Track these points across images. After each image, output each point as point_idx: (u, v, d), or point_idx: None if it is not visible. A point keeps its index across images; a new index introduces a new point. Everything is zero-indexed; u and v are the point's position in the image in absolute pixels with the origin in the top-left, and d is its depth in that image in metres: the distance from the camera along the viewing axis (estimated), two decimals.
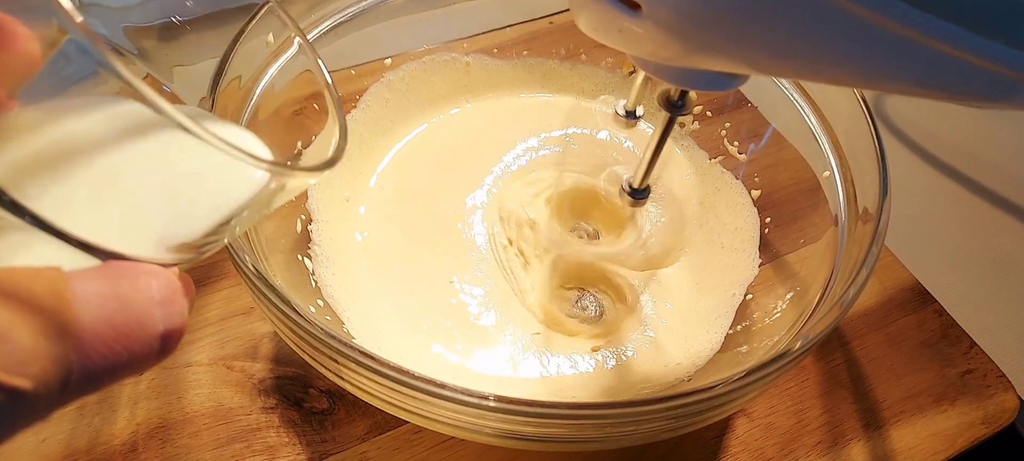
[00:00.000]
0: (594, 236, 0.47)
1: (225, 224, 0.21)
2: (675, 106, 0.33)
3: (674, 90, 0.32)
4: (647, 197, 0.38)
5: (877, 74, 0.21)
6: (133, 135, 0.19)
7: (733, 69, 0.26)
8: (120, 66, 0.16)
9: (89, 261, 0.16)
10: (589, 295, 0.44)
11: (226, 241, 0.28)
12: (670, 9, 0.23)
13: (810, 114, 0.43)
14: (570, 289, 0.44)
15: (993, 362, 0.43)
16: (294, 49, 0.27)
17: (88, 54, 0.16)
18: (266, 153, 0.26)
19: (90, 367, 0.15)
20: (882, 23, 0.19)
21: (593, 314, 0.43)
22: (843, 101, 0.40)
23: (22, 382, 0.13)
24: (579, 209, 0.47)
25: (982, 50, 0.19)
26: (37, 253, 0.16)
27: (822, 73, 0.23)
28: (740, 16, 0.22)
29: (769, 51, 0.23)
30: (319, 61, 0.26)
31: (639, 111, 0.41)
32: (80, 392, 0.15)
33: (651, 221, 0.46)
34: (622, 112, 0.41)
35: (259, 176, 0.21)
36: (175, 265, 0.19)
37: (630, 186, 0.38)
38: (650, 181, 0.38)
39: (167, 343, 0.17)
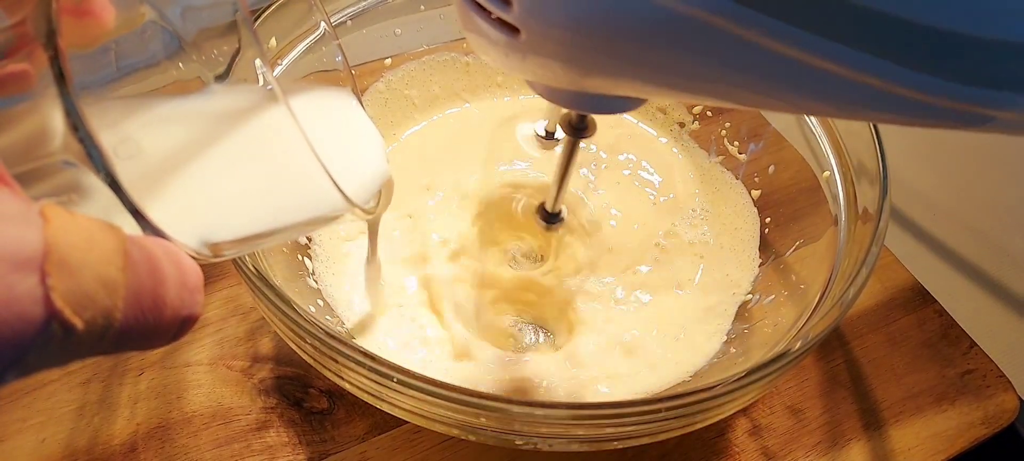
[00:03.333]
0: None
1: (266, 236, 0.22)
2: (577, 129, 0.31)
3: (574, 114, 0.31)
4: (561, 221, 0.37)
5: (809, 107, 0.20)
6: (218, 127, 0.20)
7: (628, 93, 0.25)
8: (263, 58, 0.18)
9: (134, 229, 0.17)
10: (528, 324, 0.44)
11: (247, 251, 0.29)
12: (544, 31, 0.21)
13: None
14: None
15: (993, 362, 0.43)
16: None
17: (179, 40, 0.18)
18: (378, 167, 0.27)
19: (124, 328, 0.15)
20: (804, 59, 0.18)
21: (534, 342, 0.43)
22: None
23: (78, 322, 0.14)
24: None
25: (935, 89, 0.18)
26: (101, 206, 0.17)
27: (744, 102, 0.22)
28: (619, 46, 0.20)
29: (664, 79, 0.21)
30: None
31: (559, 133, 0.40)
32: (106, 349, 0.16)
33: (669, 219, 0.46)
34: (542, 133, 0.40)
35: (339, 206, 0.21)
36: (199, 259, 0.19)
37: (544, 211, 0.36)
38: (561, 206, 0.36)
39: (183, 328, 0.17)
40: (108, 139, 0.17)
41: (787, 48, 0.18)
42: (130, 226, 0.18)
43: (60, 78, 0.16)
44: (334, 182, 0.20)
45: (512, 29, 0.22)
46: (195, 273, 0.18)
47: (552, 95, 0.26)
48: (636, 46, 0.20)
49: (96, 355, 0.16)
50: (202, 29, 0.21)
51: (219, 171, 0.20)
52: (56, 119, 0.16)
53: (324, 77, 0.33)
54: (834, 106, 0.20)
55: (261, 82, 0.19)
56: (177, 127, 0.20)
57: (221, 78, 0.21)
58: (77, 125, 0.16)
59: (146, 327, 0.16)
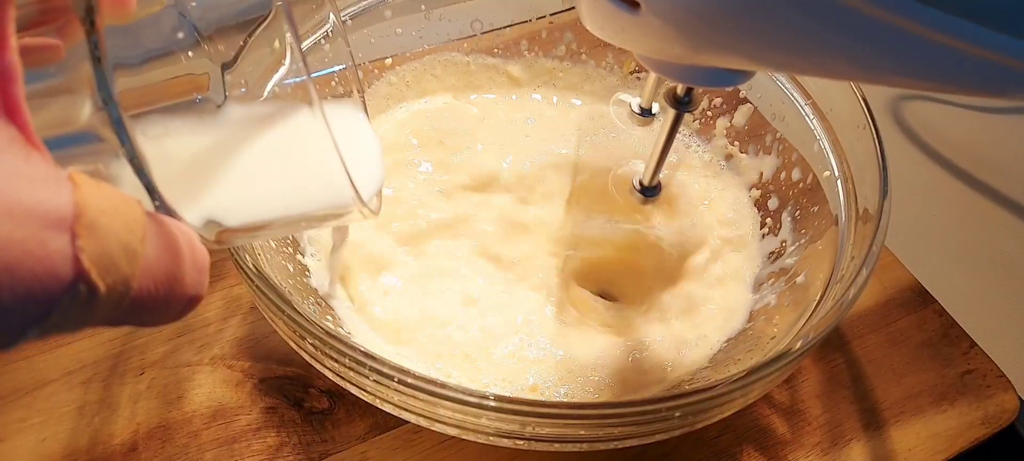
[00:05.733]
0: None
1: (271, 227, 0.22)
2: (681, 103, 0.33)
3: (680, 87, 0.33)
4: (658, 194, 0.38)
5: (883, 69, 0.21)
6: (239, 122, 0.21)
7: (736, 65, 0.26)
8: (299, 46, 0.19)
9: (147, 203, 0.18)
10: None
11: (246, 244, 0.29)
12: (668, 6, 0.23)
13: (810, 114, 0.43)
14: (587, 285, 0.44)
15: (993, 362, 0.43)
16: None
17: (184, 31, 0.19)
18: (377, 172, 0.27)
19: (137, 298, 0.16)
20: (889, 19, 0.19)
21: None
22: (844, 101, 0.40)
23: (101, 285, 0.14)
24: (591, 207, 0.48)
25: (988, 42, 0.19)
26: (123, 182, 0.18)
27: (825, 68, 0.23)
28: (741, 13, 0.22)
29: (771, 47, 0.23)
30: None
31: (655, 108, 0.41)
32: (118, 318, 0.16)
33: (665, 220, 0.46)
34: (637, 110, 0.41)
35: (348, 203, 0.22)
36: (204, 243, 0.20)
37: (640, 183, 0.38)
38: (661, 178, 0.38)
39: (189, 306, 0.18)
40: (135, 118, 0.17)
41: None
42: (145, 204, 0.18)
43: (96, 55, 0.16)
44: (351, 180, 0.21)
45: (632, 4, 0.24)
46: (204, 255, 0.18)
47: (663, 69, 0.28)
48: (748, 14, 0.21)
49: (107, 324, 0.16)
50: (222, 21, 0.21)
51: (235, 160, 0.21)
52: (86, 93, 0.17)
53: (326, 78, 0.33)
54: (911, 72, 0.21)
55: (287, 65, 0.20)
56: (198, 119, 0.21)
57: (228, 66, 0.22)
58: (107, 101, 0.17)
59: (157, 300, 0.16)
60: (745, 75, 0.28)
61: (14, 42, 0.15)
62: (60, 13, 0.18)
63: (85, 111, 0.17)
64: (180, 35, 0.20)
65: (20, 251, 0.13)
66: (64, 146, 0.17)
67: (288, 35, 0.20)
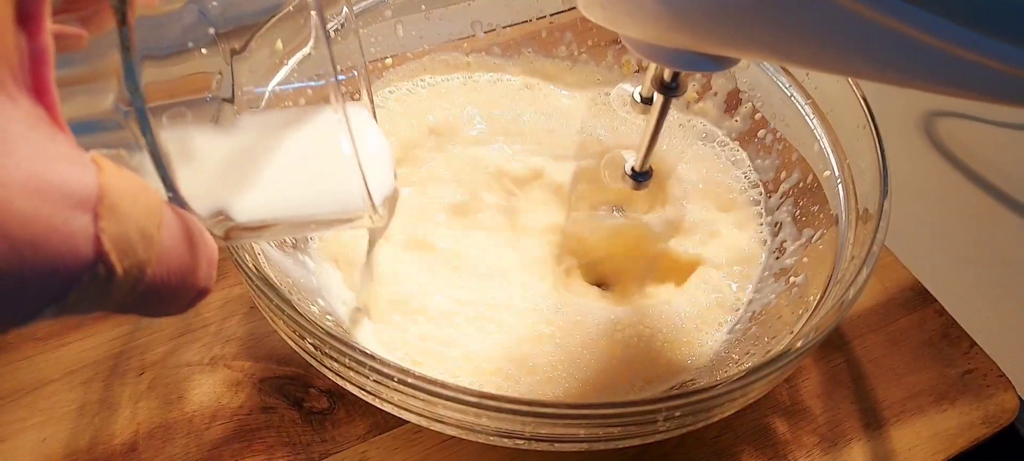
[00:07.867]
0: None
1: (280, 228, 0.22)
2: (669, 88, 0.33)
3: (667, 72, 0.32)
4: (649, 179, 0.38)
5: (881, 71, 0.21)
6: (258, 124, 0.22)
7: (716, 52, 0.26)
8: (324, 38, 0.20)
9: (161, 193, 0.18)
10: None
11: (254, 244, 0.29)
12: None
13: (810, 114, 0.43)
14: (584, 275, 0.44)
15: (993, 362, 0.43)
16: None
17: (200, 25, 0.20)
18: (388, 174, 0.28)
19: (151, 284, 0.16)
20: (887, 22, 0.19)
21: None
22: (843, 101, 0.40)
23: (119, 267, 0.15)
24: (589, 195, 0.48)
25: (1003, 55, 0.18)
26: (137, 172, 0.18)
27: (822, 67, 0.23)
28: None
29: (758, 40, 0.22)
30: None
31: (656, 97, 0.41)
32: (131, 303, 0.16)
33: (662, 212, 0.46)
34: (639, 98, 0.41)
35: (359, 208, 0.22)
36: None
37: (633, 169, 0.38)
38: (651, 164, 0.38)
39: (197, 298, 0.18)
40: (154, 111, 0.18)
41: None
42: (160, 188, 0.18)
43: (126, 45, 0.17)
44: (366, 186, 0.21)
45: None
46: (214, 249, 0.19)
47: (646, 51, 0.28)
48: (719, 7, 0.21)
49: (119, 311, 0.16)
50: (241, 20, 0.22)
51: (248, 157, 0.21)
52: (111, 82, 0.17)
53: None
54: (916, 75, 0.21)
55: (309, 47, 0.21)
56: (214, 115, 0.21)
57: (237, 53, 0.22)
58: (133, 91, 0.17)
59: (169, 288, 0.17)
60: (729, 61, 0.28)
61: (49, 24, 0.15)
62: (87, 2, 0.18)
63: (108, 100, 0.17)
64: (199, 32, 0.20)
65: (45, 227, 0.13)
66: (84, 132, 0.17)
67: (313, 36, 0.20)
